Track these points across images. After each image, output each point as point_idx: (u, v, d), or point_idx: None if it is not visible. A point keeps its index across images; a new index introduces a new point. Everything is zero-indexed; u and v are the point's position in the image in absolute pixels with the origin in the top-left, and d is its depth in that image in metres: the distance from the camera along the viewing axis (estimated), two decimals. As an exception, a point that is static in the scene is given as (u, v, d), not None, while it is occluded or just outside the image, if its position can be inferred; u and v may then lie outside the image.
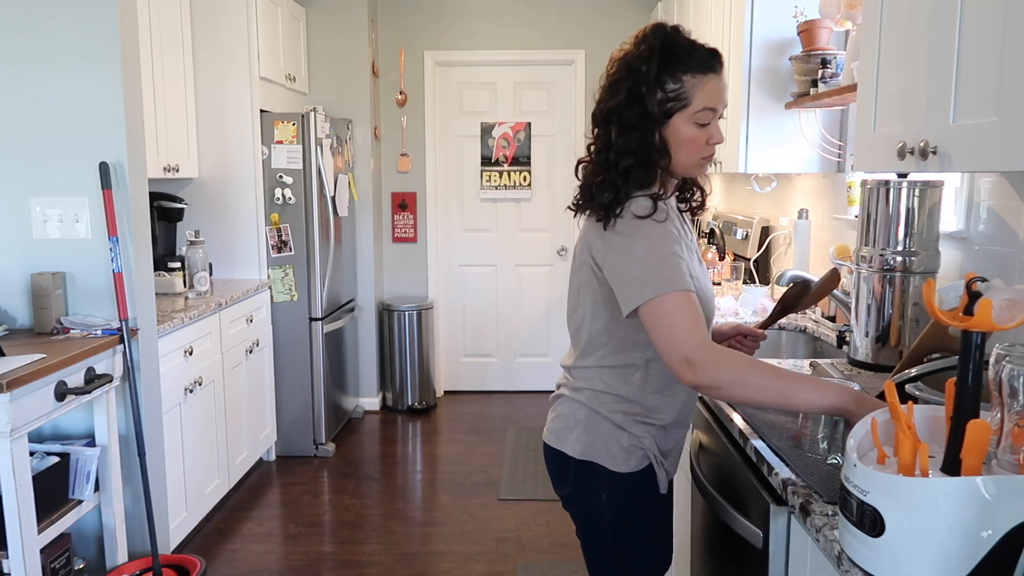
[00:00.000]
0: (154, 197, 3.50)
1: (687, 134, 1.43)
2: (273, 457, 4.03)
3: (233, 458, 3.49)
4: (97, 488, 2.52)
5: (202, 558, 2.79)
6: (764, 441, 1.48)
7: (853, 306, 1.98)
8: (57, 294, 2.55)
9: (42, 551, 2.24)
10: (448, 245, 5.11)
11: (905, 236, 1.85)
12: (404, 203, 5.00)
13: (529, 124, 4.99)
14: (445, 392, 5.21)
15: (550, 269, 5.07)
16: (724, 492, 1.61)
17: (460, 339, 5.18)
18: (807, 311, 2.72)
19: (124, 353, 2.56)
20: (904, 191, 1.83)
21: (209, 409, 3.25)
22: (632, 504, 1.52)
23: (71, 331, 2.53)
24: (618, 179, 1.43)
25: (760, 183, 3.37)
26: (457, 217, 5.08)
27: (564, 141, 4.98)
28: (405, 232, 5.03)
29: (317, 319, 4.02)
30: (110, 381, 2.48)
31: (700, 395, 1.84)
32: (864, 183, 1.92)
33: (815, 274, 2.62)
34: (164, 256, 3.41)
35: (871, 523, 0.97)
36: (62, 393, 2.25)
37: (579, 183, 1.54)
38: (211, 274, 3.61)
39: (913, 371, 1.49)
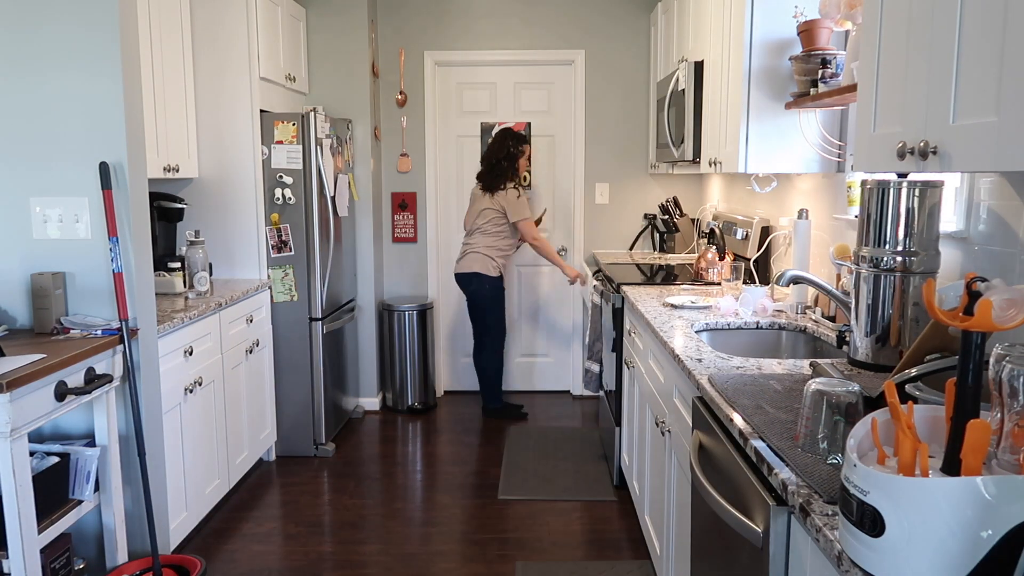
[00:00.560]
0: (154, 197, 3.50)
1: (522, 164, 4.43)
2: (273, 457, 4.04)
3: (233, 458, 3.49)
4: (97, 488, 2.52)
5: (202, 558, 2.80)
6: (764, 441, 1.48)
7: (853, 306, 1.98)
8: (57, 294, 2.55)
9: (42, 551, 2.24)
10: (448, 245, 5.11)
11: (905, 236, 1.85)
12: (404, 203, 5.00)
13: (529, 124, 4.99)
14: (445, 392, 5.21)
15: (550, 269, 5.07)
16: (724, 492, 1.61)
17: (460, 339, 5.18)
18: (808, 311, 2.72)
19: (124, 353, 2.56)
20: (904, 191, 1.83)
21: (209, 409, 3.25)
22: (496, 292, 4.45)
23: (71, 331, 2.53)
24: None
25: (760, 183, 3.37)
26: (457, 217, 5.08)
27: (564, 141, 4.98)
28: (405, 232, 5.03)
29: (317, 319, 4.02)
30: (110, 381, 2.48)
31: (700, 396, 1.88)
32: (864, 183, 1.92)
33: (815, 274, 2.62)
34: (164, 256, 3.41)
35: (871, 523, 0.97)
36: (62, 393, 2.26)
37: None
38: (211, 274, 3.61)
39: (913, 371, 1.49)
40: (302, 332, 4.01)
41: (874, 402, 1.45)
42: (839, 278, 2.51)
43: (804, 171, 2.77)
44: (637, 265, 4.25)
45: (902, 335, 1.88)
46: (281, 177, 3.88)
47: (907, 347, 1.81)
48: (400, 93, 4.91)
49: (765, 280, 3.31)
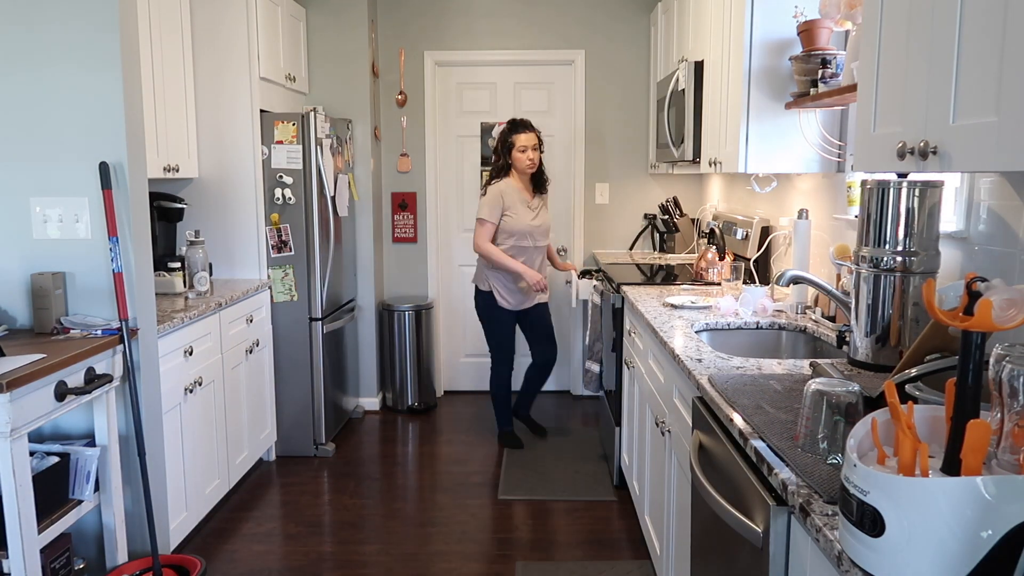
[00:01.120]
0: (154, 197, 3.50)
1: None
2: (273, 457, 4.04)
3: (233, 458, 3.49)
4: (97, 488, 2.52)
5: (202, 558, 2.80)
6: (764, 441, 1.48)
7: (853, 306, 1.98)
8: (57, 294, 2.55)
9: (42, 551, 2.24)
10: (448, 245, 5.11)
11: (905, 236, 1.84)
12: (404, 203, 5.00)
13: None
14: (445, 392, 5.21)
15: (549, 269, 5.05)
16: (724, 492, 1.61)
17: (460, 339, 5.18)
18: (808, 311, 2.72)
19: (124, 353, 2.56)
20: (904, 191, 1.83)
21: (209, 409, 3.25)
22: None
23: (71, 331, 2.53)
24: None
25: (760, 183, 3.37)
26: (457, 217, 5.08)
27: (564, 141, 4.97)
28: (405, 232, 5.03)
29: (317, 319, 4.02)
30: (110, 381, 2.48)
31: (700, 396, 1.88)
32: (864, 183, 1.92)
33: (815, 274, 2.62)
34: (164, 256, 3.41)
35: (871, 523, 0.97)
36: (62, 393, 2.26)
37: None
38: (211, 274, 3.61)
39: (913, 371, 1.49)
40: (302, 332, 4.01)
41: (874, 402, 1.45)
42: (839, 278, 2.51)
43: (804, 171, 2.77)
44: (637, 265, 4.25)
45: (902, 335, 1.88)
46: (281, 177, 3.88)
47: (907, 347, 1.81)
48: (400, 93, 4.91)
49: (765, 280, 3.31)
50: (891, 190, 1.84)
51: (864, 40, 1.67)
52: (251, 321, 3.68)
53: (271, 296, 3.94)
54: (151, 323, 2.72)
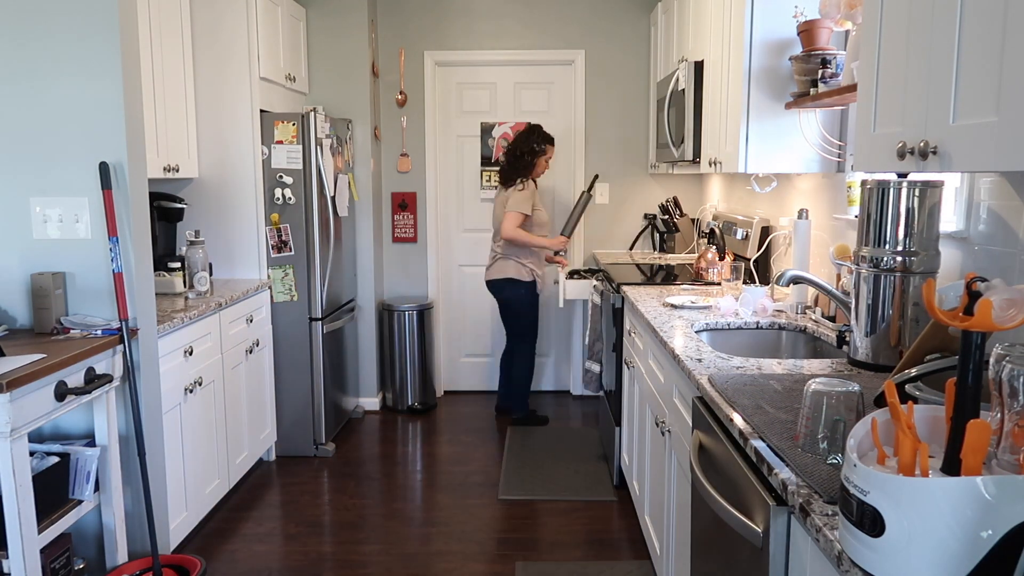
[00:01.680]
0: (154, 197, 3.50)
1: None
2: (273, 457, 4.04)
3: (233, 458, 3.49)
4: (97, 488, 2.52)
5: (202, 558, 2.80)
6: (764, 441, 1.48)
7: (853, 306, 1.98)
8: (57, 294, 2.55)
9: (42, 551, 2.24)
10: (448, 245, 5.11)
11: (905, 236, 1.85)
12: (404, 203, 5.00)
13: (529, 124, 4.98)
14: (445, 392, 5.21)
15: (548, 269, 5.06)
16: (724, 492, 1.61)
17: (460, 339, 5.18)
18: (808, 311, 2.72)
19: (124, 353, 2.56)
20: (904, 191, 1.83)
21: (209, 409, 3.25)
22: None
23: (71, 331, 2.53)
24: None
25: (760, 183, 3.37)
26: (457, 217, 5.08)
27: (564, 141, 4.97)
28: (405, 232, 5.03)
29: (317, 319, 4.02)
30: (110, 381, 2.48)
31: (700, 396, 1.88)
32: (864, 183, 1.92)
33: (815, 274, 2.62)
34: (164, 256, 3.41)
35: (871, 523, 0.97)
36: (62, 393, 2.26)
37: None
38: (211, 274, 3.61)
39: (913, 371, 1.49)
40: (302, 332, 4.01)
41: (874, 402, 1.45)
42: (839, 278, 2.51)
43: (804, 171, 2.77)
44: (637, 265, 4.25)
45: (902, 335, 1.88)
46: (281, 177, 3.88)
47: (907, 347, 1.81)
48: (400, 93, 4.91)
49: (765, 280, 3.31)
50: (891, 190, 1.84)
51: (864, 40, 1.68)
52: (251, 321, 3.68)
53: (271, 296, 3.94)
54: (151, 323, 2.72)
